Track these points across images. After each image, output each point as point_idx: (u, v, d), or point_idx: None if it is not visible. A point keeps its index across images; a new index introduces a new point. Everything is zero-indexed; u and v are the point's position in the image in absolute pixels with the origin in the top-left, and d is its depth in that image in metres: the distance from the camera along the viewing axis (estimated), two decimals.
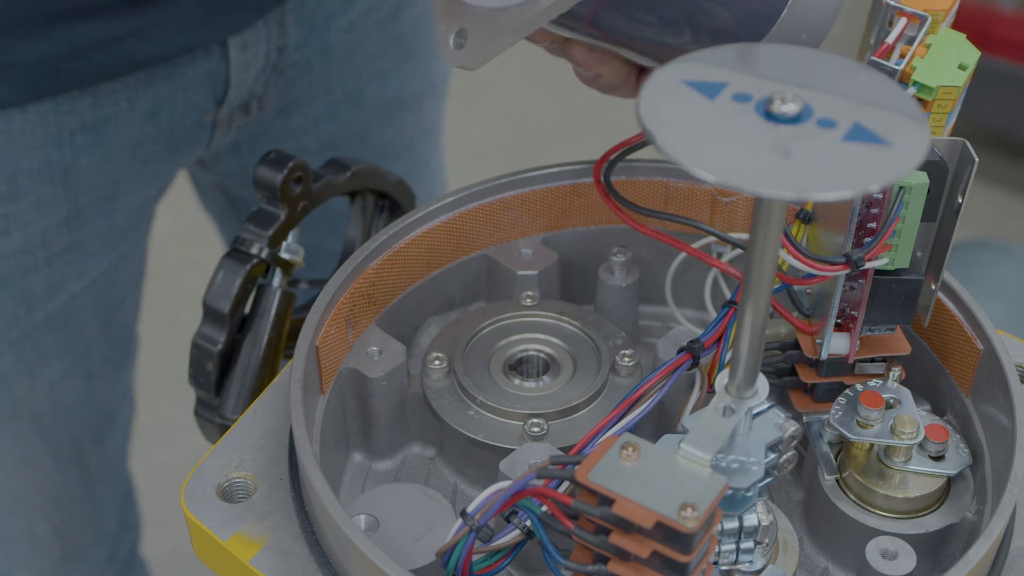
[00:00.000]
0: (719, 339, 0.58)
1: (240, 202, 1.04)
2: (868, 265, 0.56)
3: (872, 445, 0.59)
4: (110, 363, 0.97)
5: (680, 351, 0.57)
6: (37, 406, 0.92)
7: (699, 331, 0.60)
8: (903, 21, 0.58)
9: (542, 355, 0.67)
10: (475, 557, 0.51)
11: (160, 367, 1.69)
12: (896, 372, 0.61)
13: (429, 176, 1.07)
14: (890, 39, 0.57)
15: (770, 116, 0.42)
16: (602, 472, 0.47)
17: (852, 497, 0.59)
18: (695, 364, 0.57)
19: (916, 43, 0.57)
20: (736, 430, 0.51)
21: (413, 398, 0.65)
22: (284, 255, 0.71)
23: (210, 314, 0.69)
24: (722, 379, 0.52)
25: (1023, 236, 2.13)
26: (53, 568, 1.04)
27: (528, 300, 0.68)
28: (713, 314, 0.68)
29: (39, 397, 0.91)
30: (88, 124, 0.81)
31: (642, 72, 0.63)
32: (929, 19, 0.57)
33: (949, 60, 0.56)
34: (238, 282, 0.69)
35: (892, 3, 0.58)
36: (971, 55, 0.57)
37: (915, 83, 0.56)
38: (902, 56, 0.57)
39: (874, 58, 0.57)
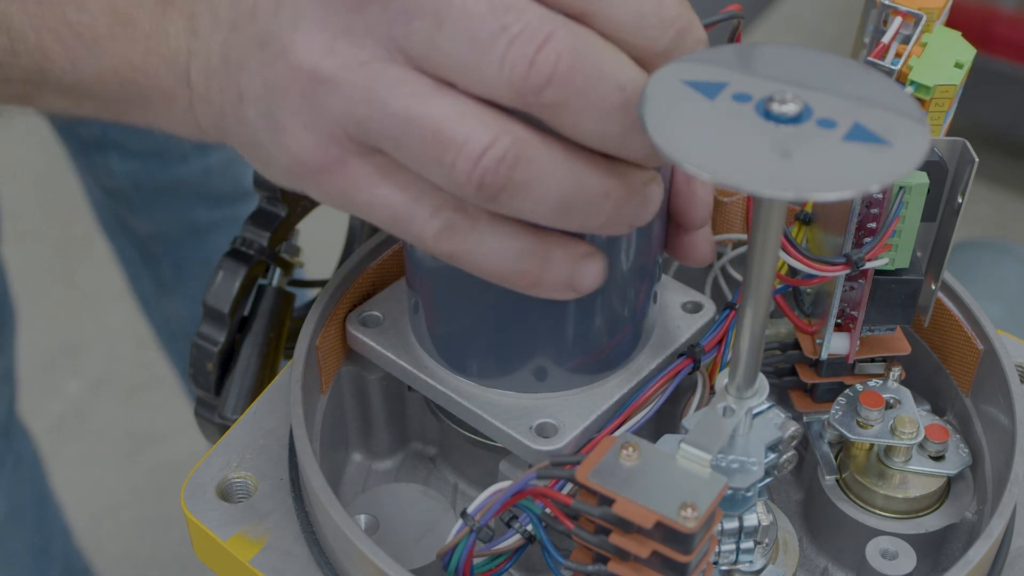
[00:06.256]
0: (720, 342, 0.58)
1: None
2: (868, 265, 0.56)
3: (872, 445, 0.59)
4: None
5: (681, 355, 0.57)
6: None
7: None
8: (898, 20, 0.57)
9: None
10: (476, 560, 0.51)
11: (159, 367, 1.69)
12: (896, 372, 0.61)
13: None
14: (885, 39, 0.57)
15: (770, 116, 0.42)
16: (602, 472, 0.47)
17: (852, 497, 0.59)
18: (696, 368, 0.57)
19: (912, 42, 0.57)
20: (736, 430, 0.51)
21: (413, 398, 0.65)
22: (284, 255, 0.71)
23: (210, 314, 0.69)
24: (722, 379, 0.52)
25: (1023, 236, 2.13)
26: None
27: None
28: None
29: None
30: None
31: None
32: (924, 18, 0.57)
33: (945, 58, 0.56)
34: (238, 282, 0.69)
35: (887, 2, 0.57)
36: (967, 53, 0.57)
37: (912, 82, 0.56)
38: (898, 56, 0.57)
39: (870, 58, 0.57)
